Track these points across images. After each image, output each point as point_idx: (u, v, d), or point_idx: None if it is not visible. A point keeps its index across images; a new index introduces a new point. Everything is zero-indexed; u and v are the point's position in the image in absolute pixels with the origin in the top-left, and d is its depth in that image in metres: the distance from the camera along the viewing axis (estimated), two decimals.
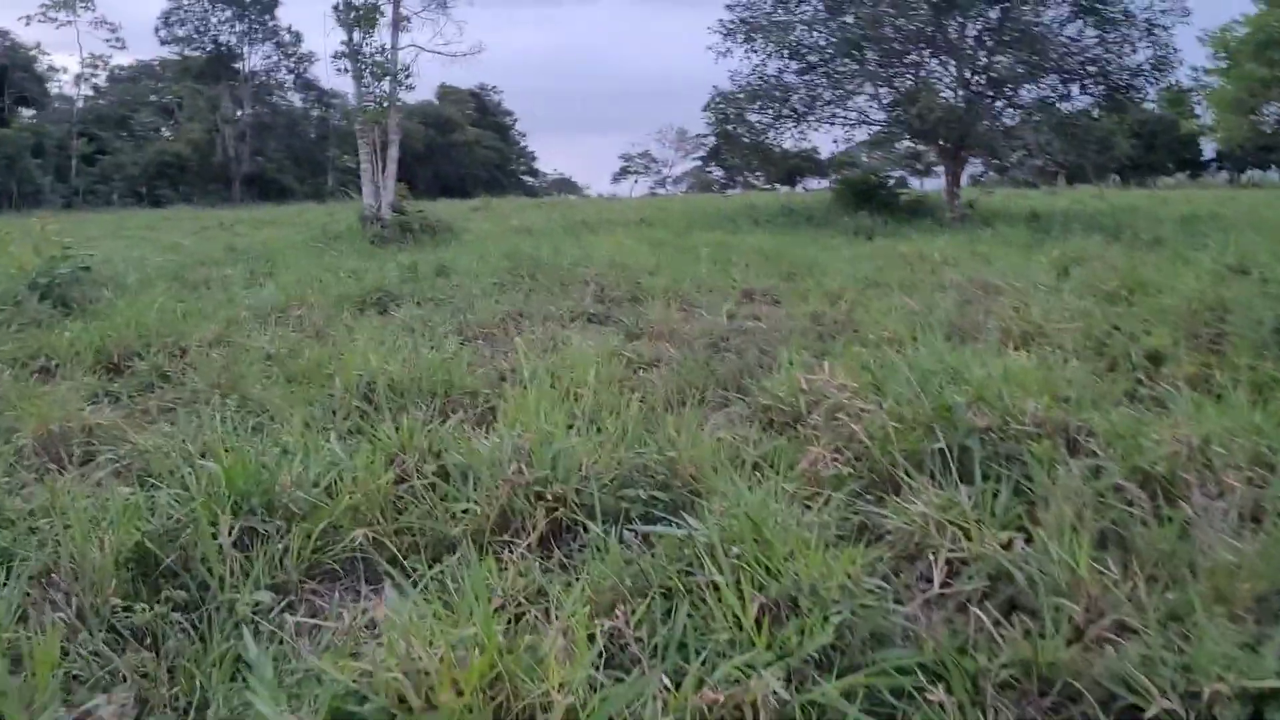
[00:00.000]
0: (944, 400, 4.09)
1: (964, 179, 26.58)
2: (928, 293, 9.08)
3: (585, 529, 3.37)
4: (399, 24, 17.07)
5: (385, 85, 16.78)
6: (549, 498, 3.50)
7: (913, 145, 35.30)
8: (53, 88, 57.38)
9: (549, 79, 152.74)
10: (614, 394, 5.23)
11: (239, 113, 63.49)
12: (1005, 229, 17.88)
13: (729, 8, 24.24)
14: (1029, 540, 2.97)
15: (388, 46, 16.78)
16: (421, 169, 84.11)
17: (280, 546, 3.24)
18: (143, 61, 71.73)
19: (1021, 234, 16.43)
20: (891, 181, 26.51)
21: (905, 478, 3.59)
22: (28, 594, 2.88)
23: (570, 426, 4.09)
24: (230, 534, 3.16)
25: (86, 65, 62.06)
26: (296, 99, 70.87)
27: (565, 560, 3.30)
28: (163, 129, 67.90)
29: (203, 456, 3.96)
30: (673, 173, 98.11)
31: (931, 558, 2.91)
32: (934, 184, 35.61)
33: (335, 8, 16.79)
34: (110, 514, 3.20)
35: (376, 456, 3.84)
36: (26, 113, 56.22)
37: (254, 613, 2.90)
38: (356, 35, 16.47)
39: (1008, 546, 2.94)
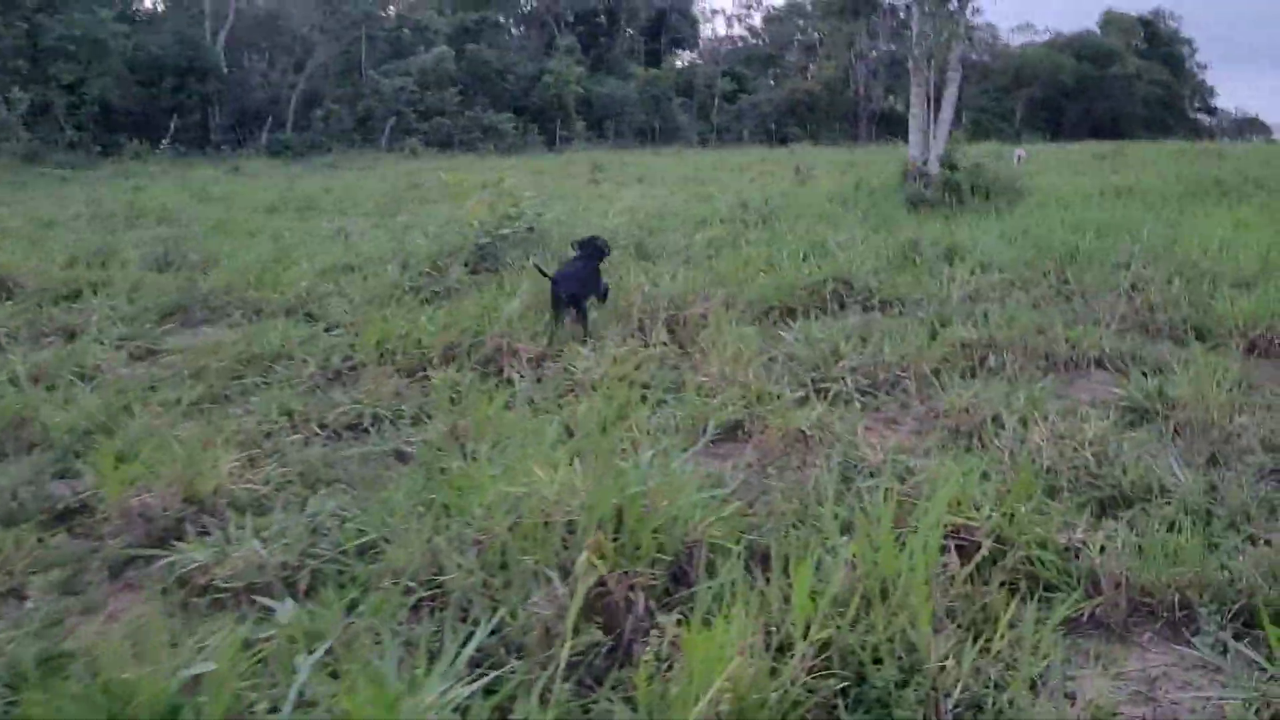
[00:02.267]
0: None
1: None
2: None
3: None
4: None
5: (952, 5, 13.90)
6: None
7: None
8: (706, 29, 61.77)
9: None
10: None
11: (874, 50, 62.77)
12: None
13: None
14: None
15: None
16: (1071, 106, 77.02)
17: None
18: (794, 2, 74.28)
19: None
20: None
21: None
22: None
23: None
24: None
25: (740, 6, 65.81)
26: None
27: None
28: (810, 67, 69.94)
29: None
30: None
31: None
32: None
33: None
34: None
35: None
36: (685, 55, 61.28)
37: None
38: None
39: None
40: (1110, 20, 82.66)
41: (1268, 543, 3.23)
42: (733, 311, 6.75)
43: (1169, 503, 3.57)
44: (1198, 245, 8.44)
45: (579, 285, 6.46)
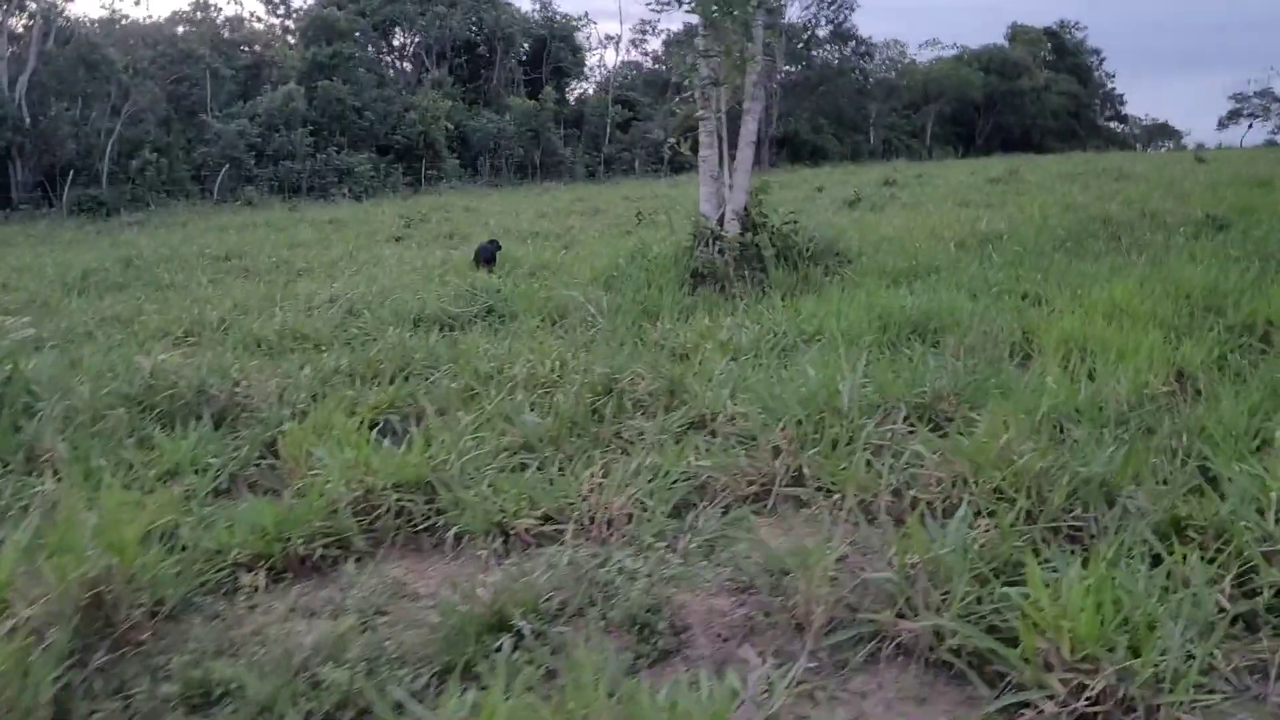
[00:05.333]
0: None
1: None
2: None
3: None
4: None
5: (755, 26, 10.81)
6: None
7: None
8: (596, 56, 58.31)
9: (1147, 7, 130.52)
10: None
11: (770, 70, 60.17)
12: None
13: None
14: None
15: None
16: (981, 120, 75.37)
17: None
18: (691, 25, 71.56)
19: None
20: None
21: None
22: None
23: None
24: None
25: (636, 30, 62.87)
26: (834, 52, 66.09)
27: None
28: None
29: None
30: None
31: None
32: None
33: None
34: None
35: None
36: (580, 85, 58.24)
37: None
38: None
39: None
40: (1017, 33, 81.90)
41: None
42: None
43: None
44: (1039, 388, 5.24)
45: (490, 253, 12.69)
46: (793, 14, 62.73)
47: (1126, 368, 5.61)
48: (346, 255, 15.37)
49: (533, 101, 44.67)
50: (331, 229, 21.37)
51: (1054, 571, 3.09)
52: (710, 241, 9.96)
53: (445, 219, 22.52)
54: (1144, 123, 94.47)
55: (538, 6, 52.72)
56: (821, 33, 64.28)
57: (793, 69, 63.28)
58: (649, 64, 68.11)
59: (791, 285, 9.13)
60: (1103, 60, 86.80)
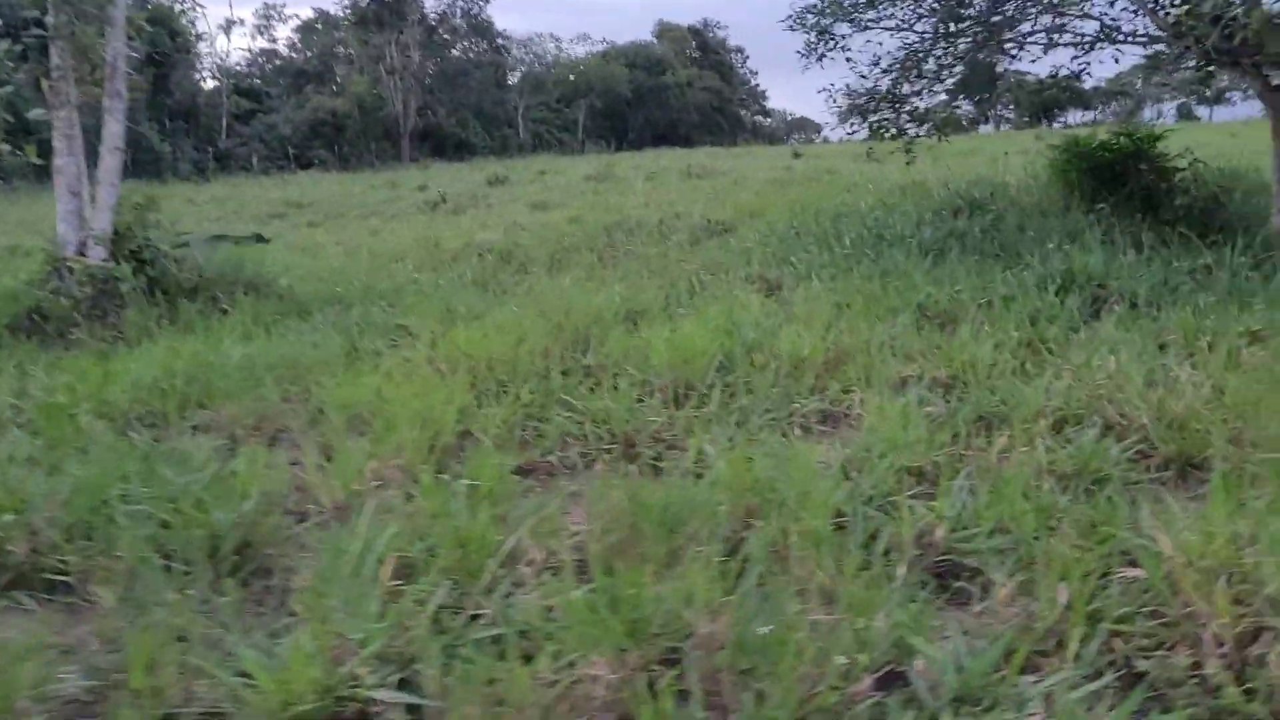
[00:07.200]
0: None
1: None
2: None
3: None
4: None
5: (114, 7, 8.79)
6: None
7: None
8: (219, 42, 53.06)
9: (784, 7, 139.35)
10: None
11: (408, 62, 57.65)
12: None
13: None
14: None
15: None
16: (632, 115, 76.39)
17: None
18: (323, 11, 67.62)
19: None
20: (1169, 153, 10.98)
21: None
22: None
23: None
24: None
25: (259, 16, 58.14)
26: (473, 46, 64.61)
27: None
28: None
29: None
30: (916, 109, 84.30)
31: None
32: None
33: None
34: None
35: None
36: (195, 75, 52.82)
37: None
38: None
39: None
40: (663, 31, 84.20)
41: None
42: None
43: None
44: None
45: None
46: (429, 5, 60.61)
47: (381, 445, 4.20)
48: None
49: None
50: None
51: None
52: (62, 271, 7.79)
53: None
54: (787, 118, 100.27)
55: None
56: (458, 25, 62.51)
57: (438, 60, 61.09)
58: (285, 52, 63.72)
59: (150, 329, 7.19)
60: (746, 58, 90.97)
